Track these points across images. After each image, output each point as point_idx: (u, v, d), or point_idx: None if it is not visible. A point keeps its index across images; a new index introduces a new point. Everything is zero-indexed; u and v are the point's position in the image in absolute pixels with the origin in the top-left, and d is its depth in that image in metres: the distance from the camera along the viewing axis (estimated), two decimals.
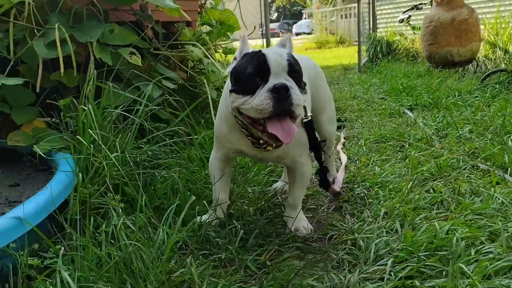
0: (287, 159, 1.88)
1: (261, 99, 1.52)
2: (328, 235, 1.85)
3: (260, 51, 1.62)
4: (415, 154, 2.67)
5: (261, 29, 8.43)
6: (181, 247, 1.72)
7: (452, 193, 2.07)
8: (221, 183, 1.91)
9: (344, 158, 2.79)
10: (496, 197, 1.92)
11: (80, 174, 1.79)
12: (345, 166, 2.64)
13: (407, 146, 2.92)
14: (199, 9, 3.54)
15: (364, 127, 3.63)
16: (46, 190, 1.63)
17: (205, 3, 3.60)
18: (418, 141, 2.96)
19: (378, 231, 1.75)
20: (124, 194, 1.92)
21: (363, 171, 2.56)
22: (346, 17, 17.25)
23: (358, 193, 2.25)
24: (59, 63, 2.24)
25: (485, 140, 2.77)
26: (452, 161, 2.48)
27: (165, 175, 2.14)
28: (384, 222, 1.85)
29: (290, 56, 1.64)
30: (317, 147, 1.90)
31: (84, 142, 1.90)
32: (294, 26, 36.87)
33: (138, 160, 2.14)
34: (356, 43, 8.95)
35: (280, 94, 1.51)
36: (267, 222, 1.95)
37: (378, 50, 8.15)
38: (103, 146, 1.89)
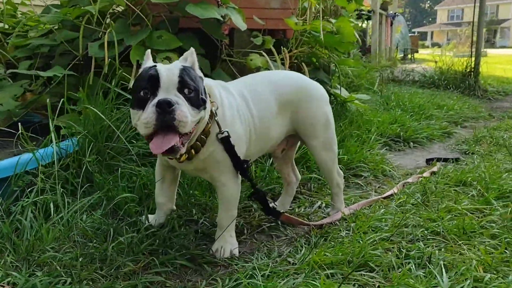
0: (206, 175, 1.88)
1: (146, 113, 1.59)
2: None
3: (154, 66, 1.68)
4: None
5: None
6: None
7: None
8: (161, 188, 2.03)
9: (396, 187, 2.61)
10: None
11: None
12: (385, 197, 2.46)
13: None
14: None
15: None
16: None
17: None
18: None
19: None
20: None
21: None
22: None
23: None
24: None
25: None
26: None
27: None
28: None
29: (184, 72, 1.65)
30: (240, 166, 1.83)
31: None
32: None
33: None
34: None
35: (161, 108, 1.55)
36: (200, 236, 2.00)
37: None
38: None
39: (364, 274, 1.70)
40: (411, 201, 2.46)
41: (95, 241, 1.82)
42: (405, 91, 6.73)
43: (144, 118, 1.59)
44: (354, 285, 1.63)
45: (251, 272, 1.68)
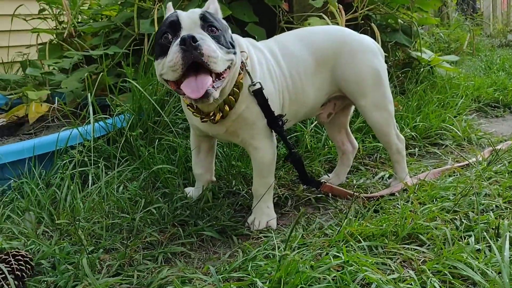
0: (237, 139, 1.74)
1: (171, 55, 1.46)
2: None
3: (175, 11, 1.57)
4: None
5: None
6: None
7: None
8: (197, 158, 1.93)
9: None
10: None
11: None
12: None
13: None
14: None
15: None
16: None
17: None
18: None
19: None
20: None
21: None
22: None
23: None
24: None
25: None
26: None
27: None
28: None
29: (206, 12, 1.54)
30: (275, 123, 1.67)
31: None
32: None
33: None
34: None
35: (186, 44, 1.42)
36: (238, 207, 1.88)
37: None
38: None
39: (410, 248, 1.43)
40: (494, 168, 2.08)
41: (126, 211, 1.78)
42: None
43: (169, 61, 1.45)
44: (393, 260, 1.38)
45: (278, 244, 1.51)
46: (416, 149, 2.55)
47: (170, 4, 1.68)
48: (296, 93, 1.79)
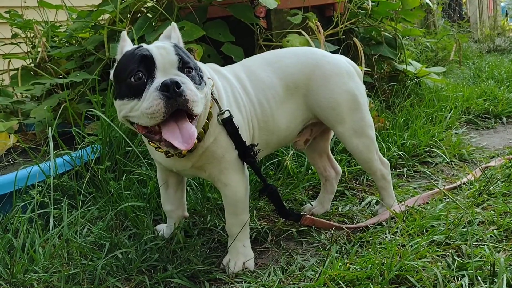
0: (204, 174, 1.60)
1: (149, 101, 1.32)
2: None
3: (141, 45, 1.43)
4: None
5: None
6: None
7: None
8: (166, 194, 1.79)
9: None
10: None
11: None
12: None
13: None
14: None
15: None
16: None
17: None
18: None
19: None
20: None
21: None
22: None
23: None
24: None
25: None
26: None
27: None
28: None
29: (178, 49, 1.41)
30: (247, 154, 1.53)
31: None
32: None
33: None
34: None
35: (170, 91, 1.30)
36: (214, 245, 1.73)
37: None
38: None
39: None
40: (488, 190, 1.95)
41: (89, 258, 1.63)
42: (505, 59, 5.82)
43: (147, 107, 1.32)
44: None
45: None
46: (405, 169, 2.42)
47: (124, 33, 1.53)
48: (265, 120, 1.65)
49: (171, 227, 1.80)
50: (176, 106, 1.30)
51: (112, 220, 1.85)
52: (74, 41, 3.58)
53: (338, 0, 2.88)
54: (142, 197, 1.98)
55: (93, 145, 2.12)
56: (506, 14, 17.42)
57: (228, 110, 1.52)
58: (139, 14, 2.92)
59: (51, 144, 1.91)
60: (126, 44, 1.50)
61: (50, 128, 2.00)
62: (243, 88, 1.63)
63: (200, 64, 1.58)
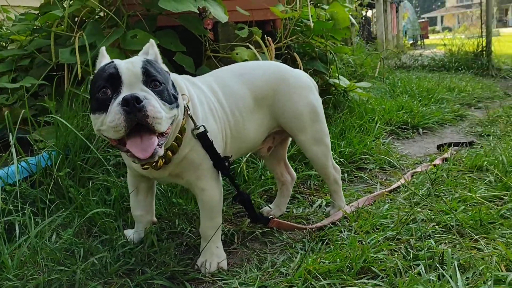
0: (181, 181, 1.68)
1: (112, 115, 1.37)
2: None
3: (112, 62, 1.48)
4: None
5: None
6: None
7: None
8: (136, 200, 1.83)
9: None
10: None
11: None
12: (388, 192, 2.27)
13: None
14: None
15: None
16: None
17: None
18: None
19: None
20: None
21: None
22: None
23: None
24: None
25: None
26: None
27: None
28: None
29: (147, 63, 1.45)
30: (222, 165, 1.63)
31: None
32: None
33: None
34: None
35: (129, 106, 1.34)
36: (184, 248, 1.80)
37: None
38: None
39: (366, 282, 1.48)
40: (420, 192, 2.23)
41: (65, 263, 1.63)
42: (413, 76, 6.46)
43: (110, 121, 1.37)
44: None
45: None
46: (345, 174, 2.65)
47: (103, 49, 1.58)
48: (237, 130, 1.78)
49: (140, 232, 1.84)
50: (136, 121, 1.35)
51: (78, 227, 1.84)
52: (4, 43, 3.41)
53: (281, 17, 3.08)
54: (106, 203, 1.99)
55: (49, 151, 2.08)
56: (405, 33, 19.10)
57: (203, 126, 1.60)
58: (85, 19, 2.89)
59: (13, 150, 1.86)
60: (103, 60, 1.55)
61: (9, 131, 1.94)
62: (217, 99, 1.74)
63: (175, 76, 1.65)
